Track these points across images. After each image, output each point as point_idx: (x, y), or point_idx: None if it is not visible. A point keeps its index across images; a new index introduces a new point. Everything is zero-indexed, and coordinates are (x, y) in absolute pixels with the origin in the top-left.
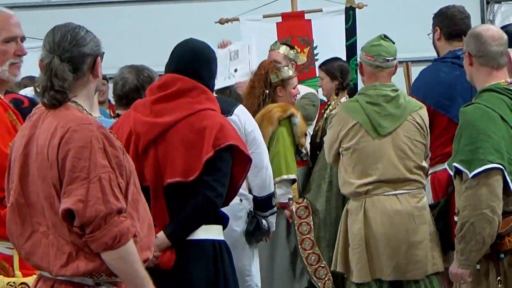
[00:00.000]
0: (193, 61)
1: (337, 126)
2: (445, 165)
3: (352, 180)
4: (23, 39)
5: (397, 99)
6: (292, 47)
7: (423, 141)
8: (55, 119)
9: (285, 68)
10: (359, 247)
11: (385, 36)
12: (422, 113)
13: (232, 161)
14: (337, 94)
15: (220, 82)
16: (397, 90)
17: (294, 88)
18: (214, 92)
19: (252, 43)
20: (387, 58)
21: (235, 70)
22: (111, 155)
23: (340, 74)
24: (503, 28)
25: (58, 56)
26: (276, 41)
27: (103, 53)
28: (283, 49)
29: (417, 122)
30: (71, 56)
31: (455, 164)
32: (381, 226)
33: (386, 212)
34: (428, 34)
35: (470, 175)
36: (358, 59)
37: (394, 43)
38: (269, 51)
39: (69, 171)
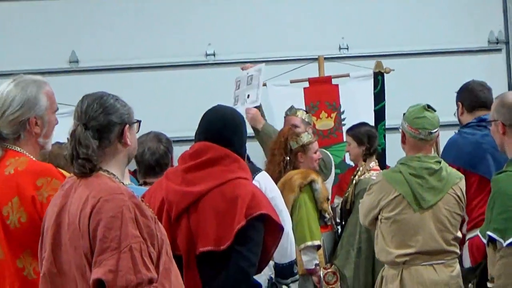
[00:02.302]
0: (223, 128)
1: (378, 194)
2: None
3: (390, 249)
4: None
5: (440, 172)
6: (306, 111)
7: (461, 213)
8: (86, 188)
9: (305, 133)
10: None
11: (429, 106)
12: (462, 185)
13: (264, 230)
14: (364, 160)
15: (240, 107)
16: (440, 162)
17: (315, 153)
18: None
19: (261, 71)
20: (431, 131)
21: (248, 96)
22: (142, 224)
23: (367, 139)
24: None
25: (83, 124)
26: (291, 107)
27: (136, 121)
28: (300, 113)
29: (457, 195)
30: (97, 124)
31: (488, 232)
32: None
33: (423, 282)
34: (454, 114)
35: (505, 244)
36: (394, 124)
37: (435, 111)
38: (285, 117)
39: (100, 241)
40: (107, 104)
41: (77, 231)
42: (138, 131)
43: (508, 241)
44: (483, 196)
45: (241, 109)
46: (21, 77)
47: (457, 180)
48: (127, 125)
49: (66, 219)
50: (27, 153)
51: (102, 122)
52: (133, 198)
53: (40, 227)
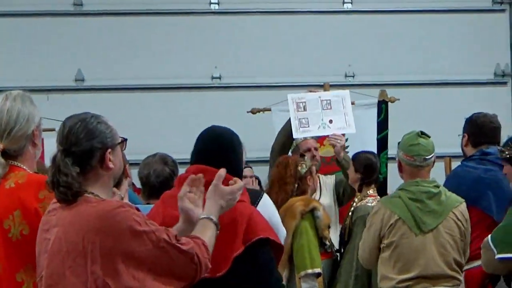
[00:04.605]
0: (219, 149)
1: (378, 224)
2: (479, 262)
3: (392, 275)
4: None
5: (439, 195)
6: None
7: (462, 238)
8: (81, 214)
9: (305, 157)
10: None
11: (422, 133)
12: (462, 209)
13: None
14: (360, 190)
15: (314, 130)
16: (438, 187)
17: (316, 173)
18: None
19: (345, 98)
20: (426, 157)
21: (330, 121)
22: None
23: (363, 169)
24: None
25: (63, 150)
26: None
27: (120, 142)
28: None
29: (458, 219)
30: (78, 150)
31: (489, 236)
32: None
33: None
34: (459, 135)
35: (496, 257)
36: (396, 157)
37: (430, 137)
38: (302, 141)
39: (133, 254)
40: (89, 128)
41: (82, 258)
42: (124, 149)
43: (498, 256)
44: (481, 231)
45: (316, 132)
46: (11, 93)
47: (457, 204)
48: (109, 149)
49: (62, 247)
50: (25, 167)
51: (83, 148)
52: (132, 206)
53: None
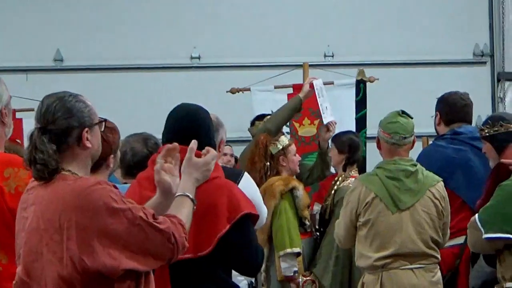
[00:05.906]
0: (190, 126)
1: (355, 202)
2: (450, 243)
3: (369, 253)
4: None
5: (416, 174)
6: None
7: (440, 216)
8: (57, 192)
9: (282, 137)
10: None
11: (403, 112)
12: (440, 188)
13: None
14: (344, 169)
15: (329, 116)
16: (416, 165)
17: (295, 155)
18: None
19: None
20: (404, 136)
21: (326, 108)
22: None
23: (348, 148)
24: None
25: (40, 128)
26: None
27: (99, 122)
28: None
29: (435, 197)
30: (55, 128)
31: (476, 216)
32: None
33: (403, 286)
34: (432, 116)
35: (483, 237)
36: (376, 134)
37: (412, 118)
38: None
39: (109, 231)
40: (67, 106)
41: (58, 235)
42: (103, 129)
43: (486, 235)
44: (452, 211)
45: (330, 118)
46: None
47: (434, 183)
48: (86, 128)
49: (40, 225)
50: None
51: (60, 126)
52: (109, 184)
53: (8, 218)
